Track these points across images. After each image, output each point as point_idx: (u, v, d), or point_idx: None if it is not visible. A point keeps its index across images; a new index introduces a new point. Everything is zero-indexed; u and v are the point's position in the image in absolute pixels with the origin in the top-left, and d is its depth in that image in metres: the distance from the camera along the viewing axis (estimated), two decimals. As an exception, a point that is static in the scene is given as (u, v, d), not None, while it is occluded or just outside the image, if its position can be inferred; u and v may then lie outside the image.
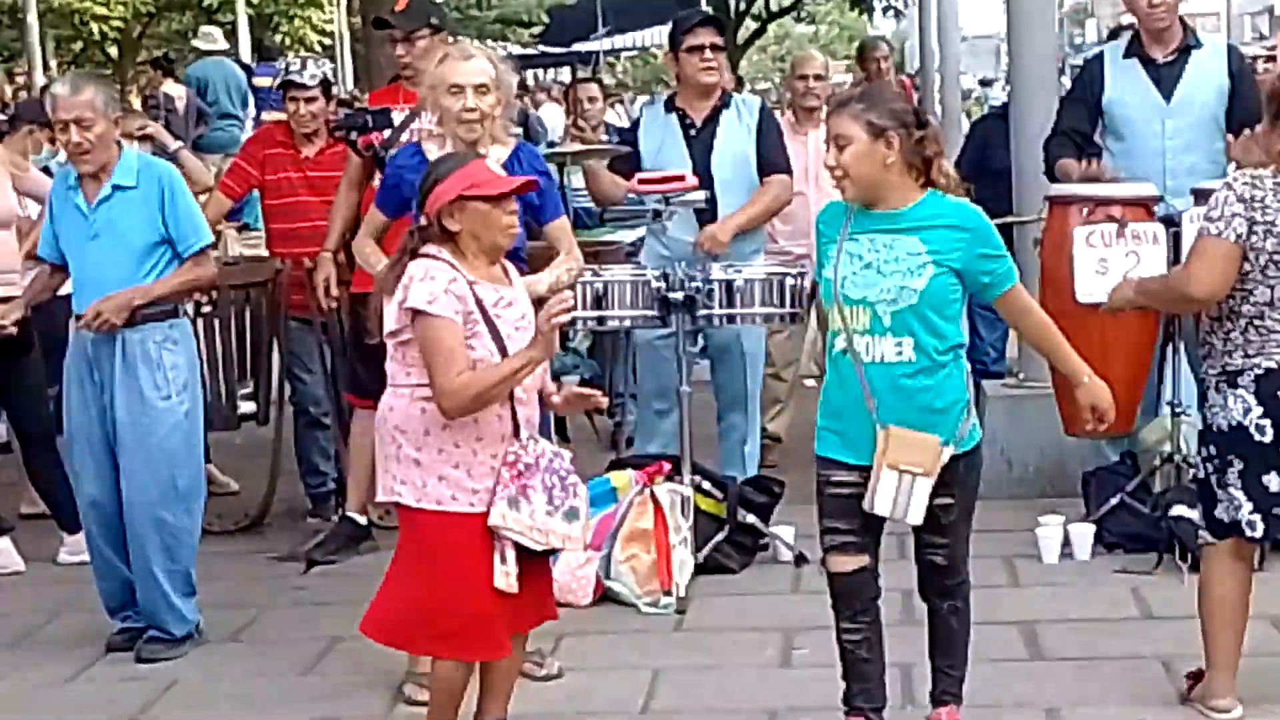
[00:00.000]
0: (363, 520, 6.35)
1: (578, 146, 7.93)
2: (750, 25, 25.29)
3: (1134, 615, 5.44)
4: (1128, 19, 7.52)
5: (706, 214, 6.34)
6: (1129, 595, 5.60)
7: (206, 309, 6.50)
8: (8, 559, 6.49)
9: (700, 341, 6.53)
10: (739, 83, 6.95)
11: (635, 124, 7.02)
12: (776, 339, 7.28)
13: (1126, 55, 6.43)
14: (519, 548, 4.12)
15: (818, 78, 7.96)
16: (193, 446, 5.45)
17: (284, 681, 5.20)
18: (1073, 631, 5.28)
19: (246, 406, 6.81)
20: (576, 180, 7.82)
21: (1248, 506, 4.41)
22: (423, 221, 4.20)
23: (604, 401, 4.51)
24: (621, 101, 18.40)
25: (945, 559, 4.30)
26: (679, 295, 5.96)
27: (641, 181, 6.30)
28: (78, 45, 25.40)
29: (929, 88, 13.79)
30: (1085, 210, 5.95)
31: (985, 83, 31.82)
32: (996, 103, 13.92)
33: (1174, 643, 4.91)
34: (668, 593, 5.65)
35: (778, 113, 7.41)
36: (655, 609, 5.63)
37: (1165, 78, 6.31)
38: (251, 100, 14.89)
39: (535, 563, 4.22)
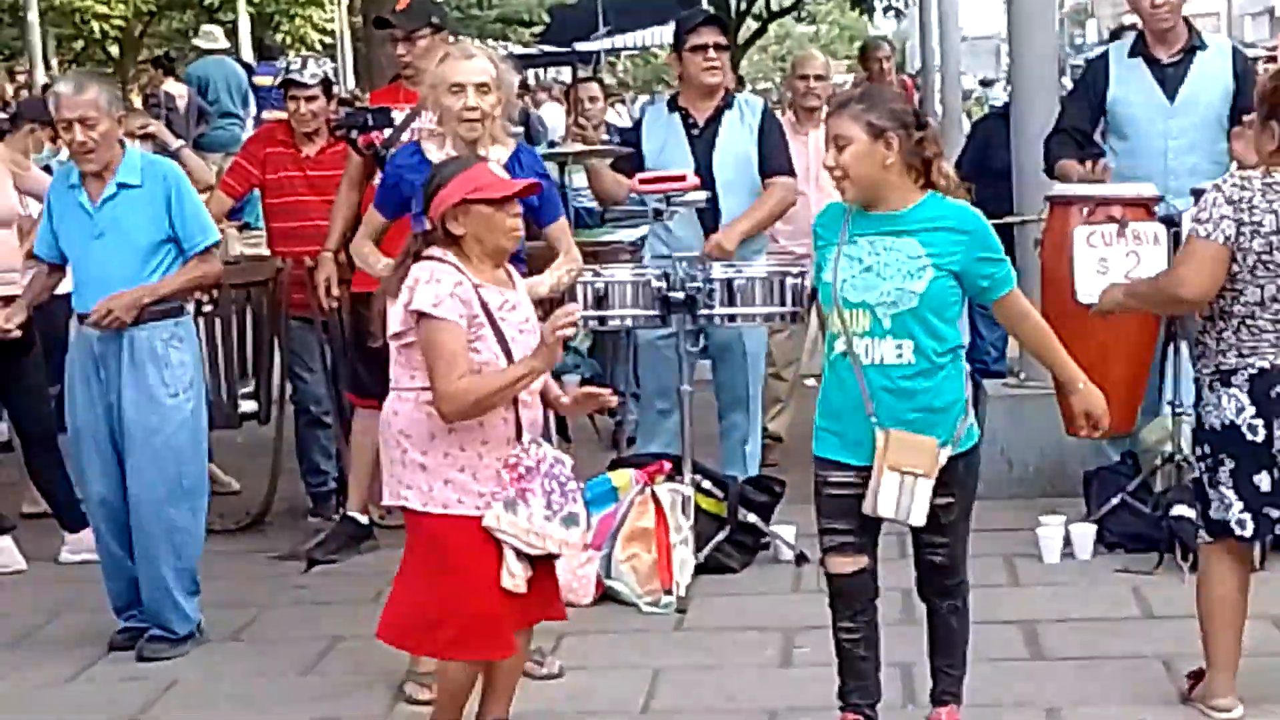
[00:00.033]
0: (364, 519, 6.35)
1: (578, 147, 7.93)
2: (751, 25, 25.27)
3: (1135, 615, 5.44)
4: (1129, 19, 7.54)
5: (708, 214, 6.34)
6: (1130, 595, 5.60)
7: (208, 308, 6.51)
8: (9, 558, 6.50)
9: (702, 341, 6.53)
10: (739, 82, 6.96)
11: (638, 123, 7.02)
12: (777, 338, 7.28)
13: (1131, 55, 6.43)
14: (517, 551, 4.13)
15: (818, 78, 7.96)
16: (198, 444, 5.47)
17: (285, 681, 5.21)
18: (1074, 631, 5.28)
19: (247, 405, 6.82)
20: (578, 180, 7.82)
21: (1238, 506, 4.42)
22: (426, 225, 4.20)
23: (613, 400, 4.50)
24: (623, 101, 18.40)
25: (945, 559, 4.30)
26: (680, 295, 5.96)
27: (642, 181, 6.30)
28: (79, 44, 25.41)
29: (929, 88, 13.80)
30: (1086, 210, 5.95)
31: (985, 83, 31.79)
32: (997, 103, 13.93)
33: (1175, 642, 4.91)
34: (668, 592, 5.65)
35: (778, 112, 7.41)
36: (656, 608, 5.63)
37: (1170, 78, 6.31)
38: (252, 99, 14.90)
39: (542, 562, 4.22)
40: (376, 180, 6.16)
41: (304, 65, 7.05)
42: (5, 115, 8.18)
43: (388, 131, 6.12)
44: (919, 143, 4.15)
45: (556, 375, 4.81)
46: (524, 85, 18.97)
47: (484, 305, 4.11)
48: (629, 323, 6.17)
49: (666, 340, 6.24)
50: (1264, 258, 4.33)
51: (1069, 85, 8.98)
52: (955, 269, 4.14)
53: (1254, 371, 4.38)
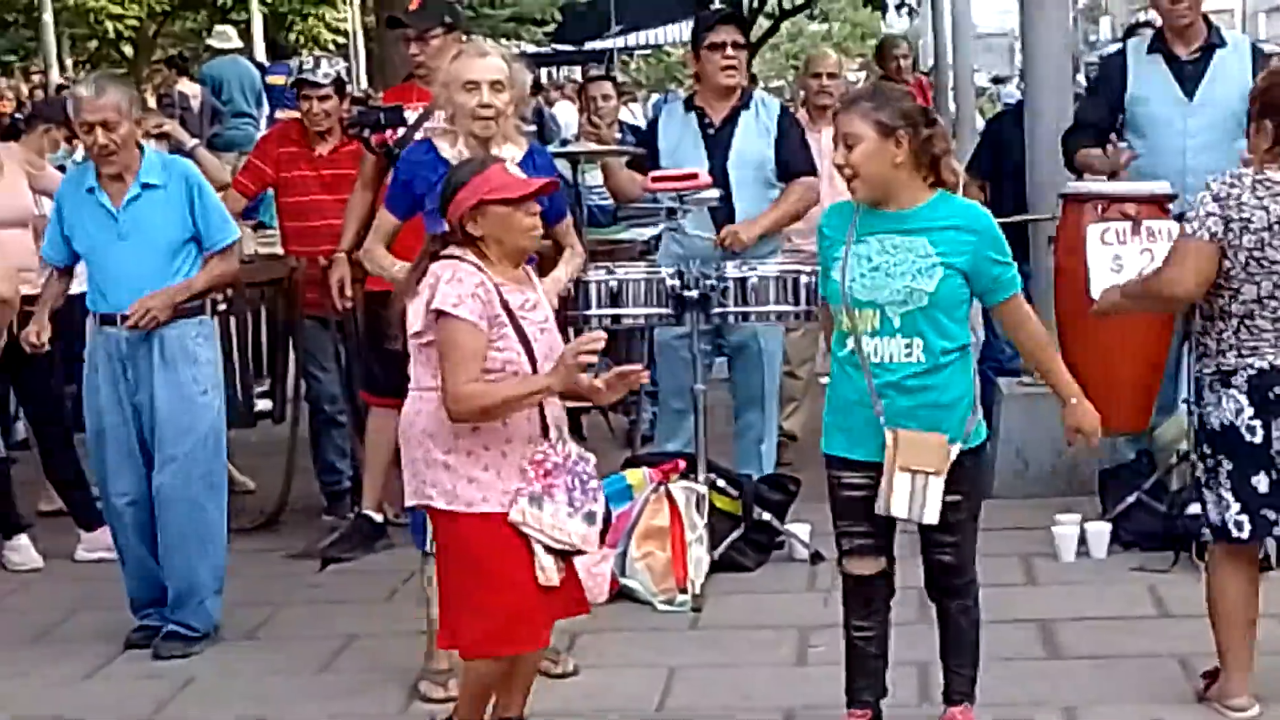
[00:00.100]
0: (378, 518, 6.36)
1: (592, 146, 7.93)
2: (763, 23, 25.25)
3: (1150, 614, 5.44)
4: (1143, 16, 7.52)
5: (721, 213, 6.33)
6: (1145, 594, 5.59)
7: (222, 307, 6.51)
8: (26, 556, 6.51)
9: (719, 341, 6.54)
10: (752, 80, 6.97)
11: (654, 121, 7.02)
12: (792, 337, 7.27)
13: (1150, 52, 6.41)
14: (543, 545, 4.13)
15: (831, 76, 7.96)
16: (221, 442, 5.52)
17: (300, 679, 5.22)
18: (1089, 630, 5.27)
19: (262, 404, 6.83)
20: (591, 178, 7.82)
21: (1235, 507, 4.42)
22: (444, 226, 4.21)
23: (645, 376, 4.46)
24: (635, 99, 18.40)
25: (953, 558, 4.29)
26: (694, 293, 5.96)
27: (655, 179, 6.29)
28: (93, 44, 25.46)
29: (942, 85, 13.78)
30: (1100, 208, 5.94)
31: (998, 80, 31.75)
32: (1010, 100, 13.91)
33: (1191, 641, 4.90)
34: (683, 590, 5.65)
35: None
36: (671, 607, 5.63)
37: (1189, 76, 6.29)
38: (265, 99, 14.91)
39: (567, 557, 4.23)
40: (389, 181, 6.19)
41: (317, 65, 7.06)
42: (20, 115, 8.21)
43: (401, 130, 6.13)
44: (927, 140, 4.15)
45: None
46: (537, 84, 18.98)
47: (505, 305, 4.11)
48: (643, 321, 6.17)
49: (683, 340, 6.24)
50: (1255, 254, 4.33)
51: (1083, 82, 8.96)
52: (964, 268, 4.14)
53: (1253, 372, 4.38)
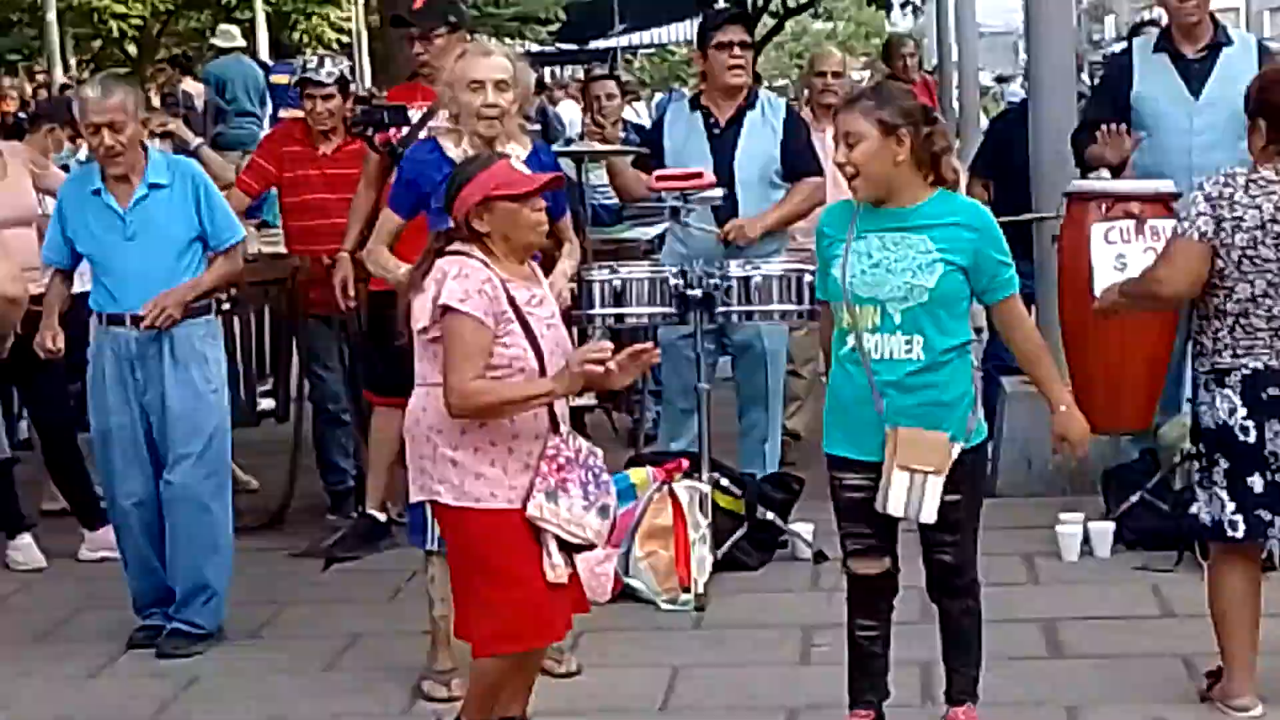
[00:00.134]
0: (382, 517, 6.36)
1: (596, 145, 7.93)
2: (768, 22, 25.25)
3: (1154, 613, 5.44)
4: (1147, 15, 7.51)
5: (724, 211, 6.33)
6: (1149, 593, 5.59)
7: (226, 306, 6.52)
8: (29, 555, 6.52)
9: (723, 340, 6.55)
10: (756, 79, 6.96)
11: (659, 119, 7.03)
12: (795, 335, 7.27)
13: (1156, 50, 6.41)
14: (558, 541, 4.13)
15: (835, 74, 7.96)
16: (228, 441, 5.53)
17: (304, 678, 5.22)
18: (1093, 629, 5.27)
19: (266, 403, 6.83)
20: (595, 177, 7.82)
21: (1231, 506, 4.42)
22: (449, 223, 4.20)
23: (657, 354, 4.44)
24: (639, 98, 18.39)
25: (953, 558, 4.28)
26: (697, 293, 5.96)
27: (659, 178, 6.30)
28: (97, 44, 25.48)
29: (946, 84, 13.78)
30: (1104, 207, 5.93)
31: (1001, 79, 31.76)
32: (1014, 99, 13.90)
33: (1194, 641, 4.90)
34: (687, 590, 5.65)
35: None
36: (674, 606, 5.63)
37: (1194, 74, 6.29)
38: (269, 98, 14.92)
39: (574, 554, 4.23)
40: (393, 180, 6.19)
41: (320, 64, 7.06)
42: (25, 115, 8.22)
43: (405, 129, 6.13)
44: (928, 138, 4.15)
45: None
46: (540, 83, 18.99)
47: (512, 301, 4.11)
48: (646, 321, 6.17)
49: (688, 340, 6.24)
50: (1248, 253, 4.34)
51: (1087, 81, 8.95)
52: (964, 264, 4.14)
53: (1247, 373, 4.38)
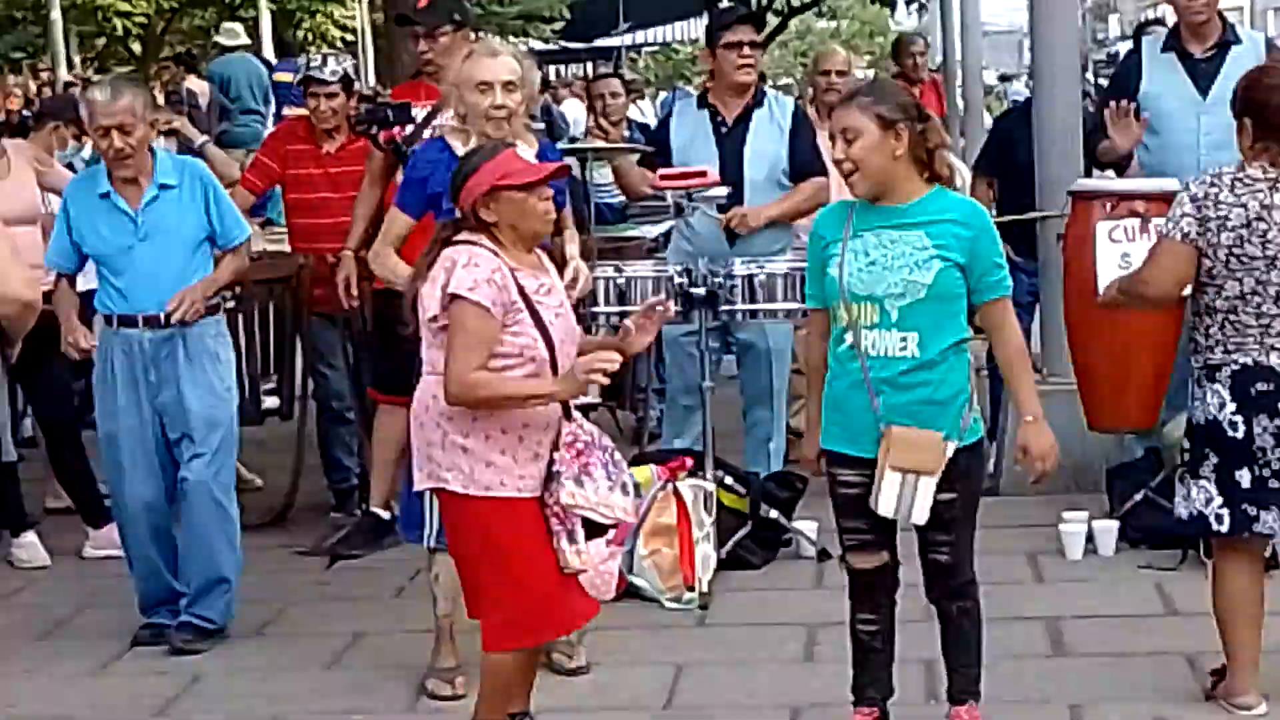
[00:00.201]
0: (386, 515, 6.36)
1: (599, 143, 7.94)
2: (772, 20, 25.26)
3: (1158, 611, 5.43)
4: (1152, 14, 7.51)
5: (728, 210, 6.33)
6: (1153, 591, 5.59)
7: (230, 304, 6.52)
8: (33, 553, 6.52)
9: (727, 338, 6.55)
10: (760, 78, 6.96)
11: (666, 118, 7.03)
12: (799, 334, 7.27)
13: (1164, 50, 6.41)
14: (585, 525, 4.12)
15: (840, 73, 7.96)
16: (236, 438, 5.56)
17: (308, 675, 5.22)
18: (1097, 628, 5.27)
19: (270, 401, 6.83)
20: (599, 176, 7.82)
21: (1218, 500, 4.44)
22: (456, 214, 4.20)
23: (672, 308, 4.40)
24: (643, 96, 18.39)
25: (949, 557, 4.26)
26: (701, 291, 5.96)
27: (664, 177, 6.30)
28: (101, 41, 25.50)
29: (950, 83, 13.76)
30: (1108, 205, 5.93)
31: (1005, 78, 31.72)
32: (1018, 98, 13.88)
33: (1198, 639, 4.89)
34: (691, 588, 5.65)
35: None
36: (678, 604, 5.63)
37: (1203, 73, 6.28)
38: (272, 96, 14.92)
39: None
40: (398, 178, 6.18)
41: (324, 62, 7.06)
42: (29, 113, 8.22)
43: (409, 127, 6.13)
44: (922, 134, 4.16)
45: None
46: (544, 81, 18.97)
47: (521, 290, 4.10)
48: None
49: (691, 337, 6.24)
50: (1234, 251, 4.35)
51: (1091, 80, 8.95)
52: (960, 261, 4.14)
53: (1236, 368, 4.40)
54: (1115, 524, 6.02)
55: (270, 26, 22.75)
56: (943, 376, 4.15)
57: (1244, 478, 4.41)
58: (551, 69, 27.17)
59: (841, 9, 44.62)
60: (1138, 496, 6.05)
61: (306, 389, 7.00)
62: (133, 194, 5.40)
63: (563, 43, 27.92)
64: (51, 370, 6.51)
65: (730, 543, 5.93)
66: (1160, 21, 8.03)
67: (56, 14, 20.35)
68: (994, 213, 7.47)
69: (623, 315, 6.05)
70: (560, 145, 6.72)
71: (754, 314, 6.09)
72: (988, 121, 11.58)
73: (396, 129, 6.17)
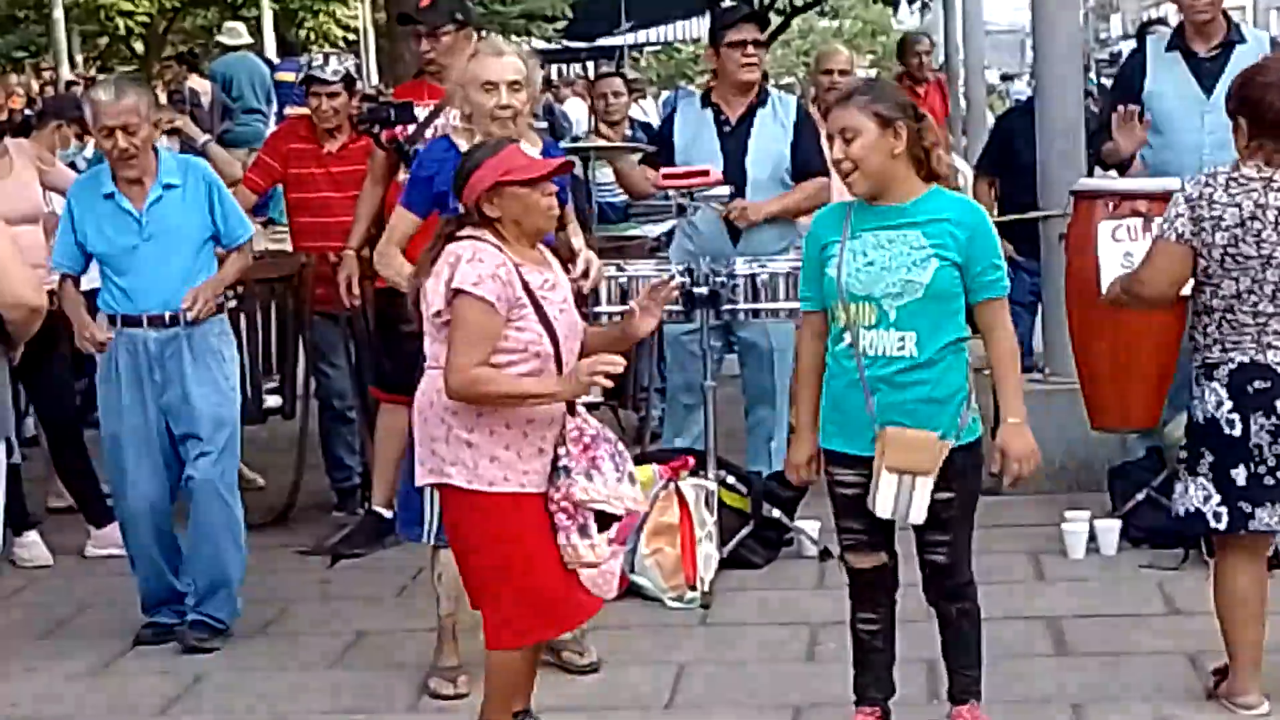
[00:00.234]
0: (388, 514, 6.36)
1: (601, 142, 7.94)
2: (774, 19, 25.28)
3: (1160, 610, 5.43)
4: (1154, 13, 7.52)
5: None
6: (1155, 590, 5.59)
7: (232, 303, 6.53)
8: (36, 552, 6.52)
9: (729, 337, 6.55)
10: (763, 77, 6.98)
11: (670, 116, 7.04)
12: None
13: (1169, 49, 6.41)
14: (598, 517, 4.11)
15: (842, 72, 7.96)
16: (239, 437, 5.56)
17: (311, 675, 5.22)
18: (1099, 627, 5.27)
19: (272, 400, 6.83)
20: (601, 175, 7.82)
21: (1216, 498, 4.44)
22: (460, 210, 4.20)
23: (677, 286, 4.37)
24: (645, 96, 18.39)
25: (946, 558, 4.25)
26: (703, 290, 5.96)
27: (666, 176, 6.30)
28: (103, 41, 25.52)
29: (953, 82, 13.77)
30: (1111, 205, 5.93)
31: (1006, 77, 31.74)
32: (1020, 97, 13.89)
33: (1200, 638, 4.90)
34: (693, 587, 5.66)
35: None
36: (680, 603, 5.64)
37: (1207, 72, 6.28)
38: (274, 95, 14.92)
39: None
40: (400, 177, 6.18)
41: (326, 62, 7.06)
42: (31, 112, 8.22)
43: (411, 127, 6.13)
44: (918, 132, 4.17)
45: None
46: (547, 81, 18.98)
47: (525, 285, 4.10)
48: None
49: (692, 336, 6.25)
50: (1229, 251, 4.36)
51: (1093, 79, 8.95)
52: (958, 260, 4.14)
53: (1233, 366, 4.41)
54: (1117, 523, 6.02)
55: (273, 26, 22.76)
56: (940, 376, 4.15)
57: (1240, 475, 4.42)
58: (553, 68, 27.19)
59: (844, 8, 44.66)
60: (1140, 496, 6.05)
61: (308, 388, 7.00)
62: (137, 194, 5.40)
63: (565, 42, 27.93)
64: (53, 370, 6.51)
65: (732, 542, 5.93)
66: (1163, 21, 8.04)
67: (59, 13, 20.34)
68: (996, 212, 7.49)
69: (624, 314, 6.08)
70: (562, 144, 6.72)
71: (756, 313, 6.09)
72: (990, 121, 11.57)
73: (399, 128, 6.17)
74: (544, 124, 5.98)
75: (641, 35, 29.86)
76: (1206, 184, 4.41)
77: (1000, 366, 4.24)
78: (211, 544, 5.43)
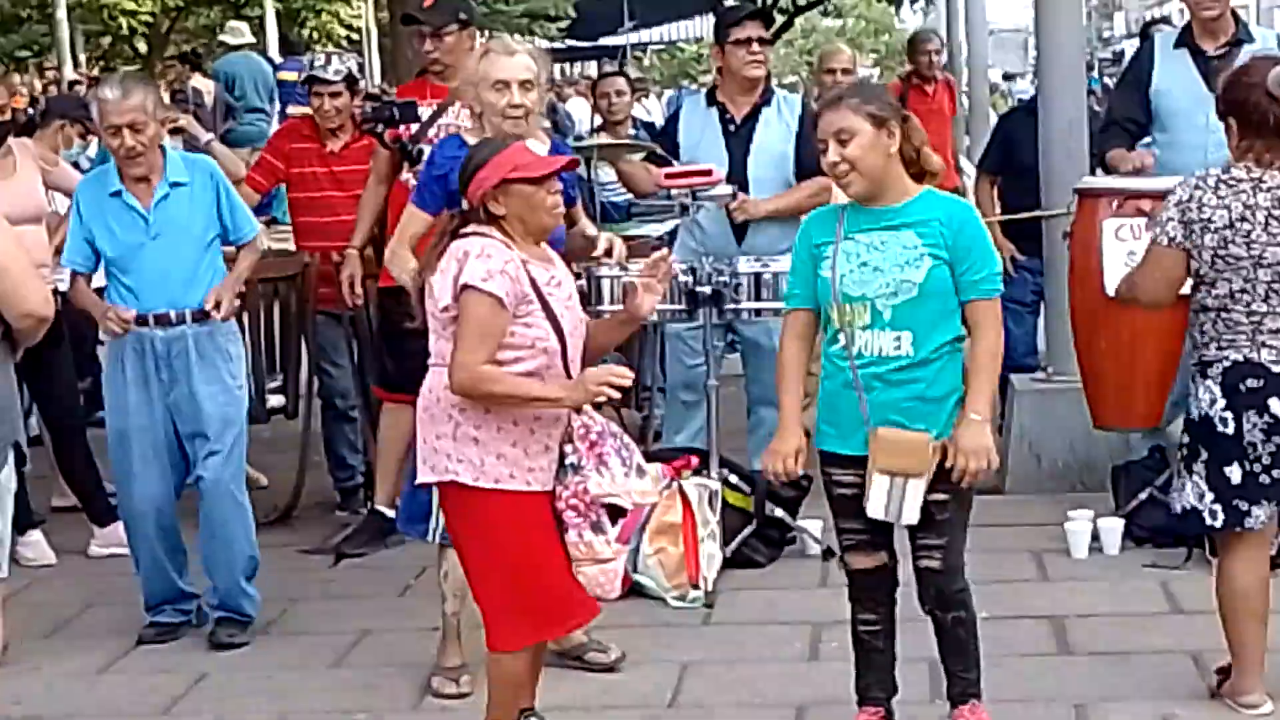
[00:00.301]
0: (391, 513, 6.35)
1: (604, 140, 7.94)
2: (777, 19, 25.28)
3: (1163, 610, 5.43)
4: (1158, 12, 7.52)
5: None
6: (1158, 590, 5.58)
7: (235, 303, 6.53)
8: (39, 552, 6.53)
9: (730, 336, 6.54)
10: (767, 76, 7.00)
11: (674, 115, 7.03)
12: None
13: (1177, 46, 6.40)
14: (610, 512, 4.11)
15: (845, 72, 7.97)
16: (245, 436, 5.57)
17: (313, 674, 5.22)
18: (1102, 626, 5.27)
19: (275, 400, 6.84)
20: (603, 175, 7.83)
21: (1210, 496, 4.45)
22: (464, 206, 4.19)
23: (674, 261, 4.33)
24: (648, 95, 18.40)
25: (940, 563, 4.22)
26: (706, 289, 5.96)
27: (668, 175, 6.30)
28: (106, 40, 25.52)
29: (956, 81, 13.77)
30: (1114, 203, 5.93)
31: (1008, 77, 31.74)
32: (1024, 96, 13.89)
33: (1203, 637, 4.89)
34: (696, 586, 5.66)
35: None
36: (683, 603, 5.64)
37: (1214, 70, 6.25)
38: (277, 95, 14.92)
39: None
40: (403, 176, 6.19)
41: (328, 62, 7.07)
42: (35, 111, 8.22)
43: (415, 126, 6.13)
44: (906, 133, 4.17)
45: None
46: (550, 80, 18.94)
47: (533, 281, 4.10)
48: (654, 317, 6.16)
49: (693, 332, 6.25)
50: (1219, 253, 4.37)
51: (1097, 78, 8.95)
52: (950, 259, 4.13)
53: (1227, 364, 4.42)
54: (1120, 522, 6.01)
55: (275, 25, 22.77)
56: (935, 375, 4.15)
57: (1234, 473, 4.42)
58: (556, 67, 27.16)
59: (847, 7, 44.67)
60: (1143, 495, 6.05)
61: (311, 387, 7.00)
62: (143, 192, 5.40)
63: (568, 41, 27.94)
64: (56, 370, 6.51)
65: (735, 541, 5.93)
66: (1166, 20, 8.03)
67: (62, 12, 20.36)
68: (999, 211, 7.49)
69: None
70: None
71: (759, 312, 6.09)
72: (992, 120, 11.57)
73: (402, 127, 6.17)
74: (547, 123, 5.97)
75: (644, 34, 29.88)
76: (1197, 186, 4.42)
77: (976, 362, 4.18)
78: (228, 543, 5.44)
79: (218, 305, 5.39)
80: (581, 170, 6.88)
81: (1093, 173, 6.49)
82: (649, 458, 6.08)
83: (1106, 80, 17.49)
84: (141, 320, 5.38)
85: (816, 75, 8.60)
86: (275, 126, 12.31)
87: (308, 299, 6.80)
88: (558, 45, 27.06)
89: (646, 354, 7.72)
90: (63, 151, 7.72)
